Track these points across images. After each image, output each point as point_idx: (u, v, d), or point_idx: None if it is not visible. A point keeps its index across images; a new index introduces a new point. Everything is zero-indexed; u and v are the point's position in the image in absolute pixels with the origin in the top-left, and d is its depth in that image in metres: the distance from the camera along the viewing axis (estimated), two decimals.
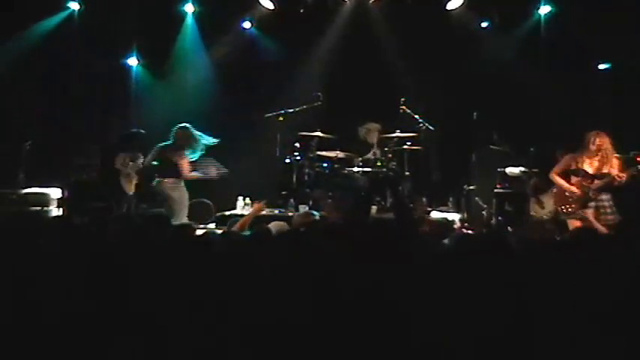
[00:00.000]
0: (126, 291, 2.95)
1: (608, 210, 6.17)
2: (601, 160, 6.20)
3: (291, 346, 2.65)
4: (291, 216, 7.08)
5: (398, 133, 8.17)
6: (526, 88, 8.44)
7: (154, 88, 9.38)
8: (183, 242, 3.63)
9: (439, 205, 8.40)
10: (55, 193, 8.02)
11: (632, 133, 7.53)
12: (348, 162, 8.33)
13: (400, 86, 8.76)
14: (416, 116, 8.07)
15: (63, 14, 9.03)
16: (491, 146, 8.09)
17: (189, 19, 9.34)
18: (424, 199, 8.13)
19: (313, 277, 2.96)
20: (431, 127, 8.04)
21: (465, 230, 7.05)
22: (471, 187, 8.12)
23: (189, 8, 9.31)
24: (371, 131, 8.15)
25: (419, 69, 8.79)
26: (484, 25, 9.14)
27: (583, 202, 6.21)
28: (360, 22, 9.18)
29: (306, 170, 8.46)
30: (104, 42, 8.82)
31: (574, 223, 6.15)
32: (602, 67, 8.71)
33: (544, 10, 8.81)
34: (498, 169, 7.99)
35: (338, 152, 8.38)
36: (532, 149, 7.87)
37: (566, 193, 6.31)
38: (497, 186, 7.95)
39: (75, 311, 2.81)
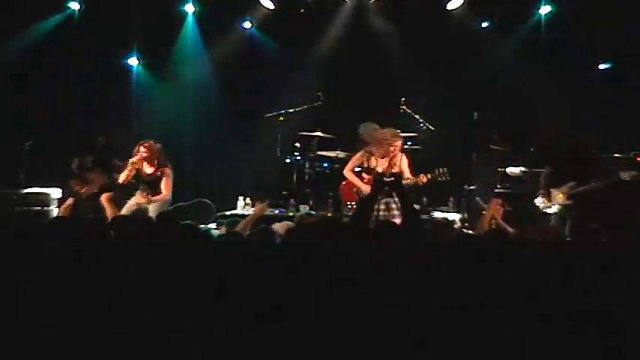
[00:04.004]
0: (126, 289, 2.95)
1: (394, 209, 6.34)
2: (391, 160, 6.40)
3: (294, 345, 2.65)
4: (292, 216, 7.08)
5: None
6: (526, 88, 8.43)
7: (154, 88, 9.37)
8: (186, 241, 3.64)
9: (439, 205, 8.40)
10: (55, 193, 8.02)
11: (632, 133, 7.54)
12: (348, 162, 8.32)
13: (400, 86, 8.75)
14: (416, 116, 8.07)
15: (63, 14, 9.03)
16: (492, 146, 8.09)
17: (190, 19, 9.33)
18: (424, 199, 8.13)
19: (315, 276, 2.96)
20: (431, 127, 8.04)
21: (465, 230, 7.04)
22: (471, 187, 8.11)
23: (189, 8, 9.30)
24: (370, 132, 8.14)
25: (419, 69, 8.78)
26: (484, 25, 9.13)
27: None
28: (360, 22, 9.17)
29: (307, 170, 8.47)
30: (104, 42, 8.80)
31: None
32: (602, 67, 8.71)
33: (544, 10, 8.80)
34: (498, 169, 7.99)
35: (338, 152, 8.40)
36: (532, 149, 7.87)
37: (354, 190, 6.54)
38: (498, 186, 7.95)
39: (76, 311, 2.81)
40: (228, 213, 8.20)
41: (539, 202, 6.93)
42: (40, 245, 3.52)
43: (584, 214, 6.34)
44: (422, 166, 8.27)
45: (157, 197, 6.77)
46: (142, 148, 6.83)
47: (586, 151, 6.80)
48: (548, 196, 6.89)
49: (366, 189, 6.43)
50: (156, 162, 6.86)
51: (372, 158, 6.47)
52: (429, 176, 6.28)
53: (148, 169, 6.88)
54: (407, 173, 6.38)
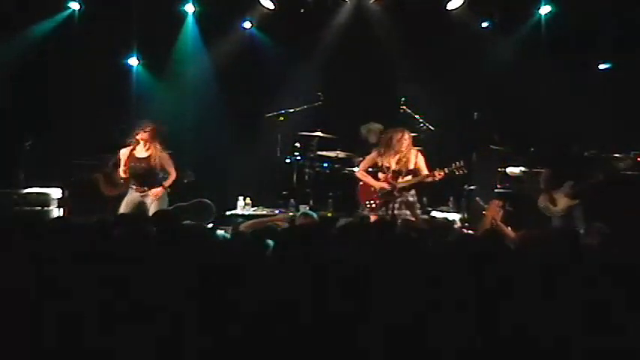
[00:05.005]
0: (129, 289, 2.95)
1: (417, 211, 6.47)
2: (405, 157, 6.45)
3: (294, 345, 2.65)
4: (292, 216, 7.08)
5: None
6: (526, 88, 8.43)
7: (155, 88, 9.38)
8: (190, 240, 3.64)
9: (439, 205, 8.40)
10: (55, 193, 8.02)
11: (632, 133, 7.53)
12: (348, 162, 8.34)
13: (400, 86, 8.76)
14: (416, 116, 8.07)
15: (63, 14, 9.03)
16: (492, 146, 8.09)
17: (190, 19, 9.34)
18: (424, 199, 8.13)
19: (314, 276, 2.96)
20: (431, 127, 8.05)
21: (465, 230, 7.03)
22: (471, 187, 8.11)
23: (189, 8, 9.31)
24: (372, 131, 8.15)
25: (419, 69, 8.78)
26: (484, 25, 9.14)
27: (388, 198, 6.46)
28: (360, 22, 9.17)
29: (307, 170, 8.48)
30: (104, 42, 8.80)
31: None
32: (602, 67, 8.71)
33: (544, 10, 8.80)
34: (498, 169, 7.99)
35: (338, 152, 8.42)
36: (532, 149, 7.86)
37: (372, 189, 6.56)
38: (498, 186, 7.95)
39: (76, 310, 2.81)
40: (228, 213, 8.21)
41: (542, 205, 6.90)
42: (40, 245, 3.52)
43: (591, 210, 6.34)
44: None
45: (166, 183, 6.70)
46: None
47: (580, 151, 6.82)
48: (553, 200, 6.86)
49: (383, 186, 6.51)
50: (146, 146, 6.68)
51: (385, 157, 6.52)
52: (445, 171, 6.27)
53: (139, 155, 6.66)
54: (424, 170, 6.42)
